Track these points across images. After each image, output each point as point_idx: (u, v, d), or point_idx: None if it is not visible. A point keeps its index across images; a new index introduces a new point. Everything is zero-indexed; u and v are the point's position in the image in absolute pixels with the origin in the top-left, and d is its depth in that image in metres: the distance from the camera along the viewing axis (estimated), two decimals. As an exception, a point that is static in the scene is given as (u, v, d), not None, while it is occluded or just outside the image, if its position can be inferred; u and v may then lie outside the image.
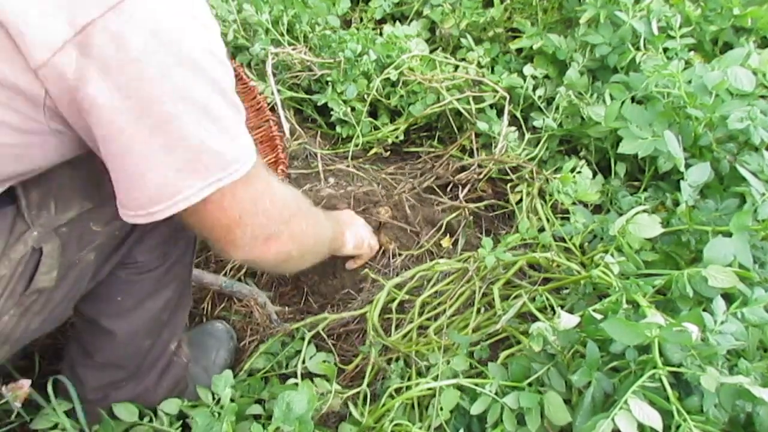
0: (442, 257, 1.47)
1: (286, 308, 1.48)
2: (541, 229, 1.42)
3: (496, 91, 1.65)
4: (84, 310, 1.02)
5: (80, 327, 1.09)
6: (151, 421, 1.10)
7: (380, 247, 1.52)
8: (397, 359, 1.25)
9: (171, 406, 1.13)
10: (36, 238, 0.81)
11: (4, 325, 0.83)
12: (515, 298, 1.28)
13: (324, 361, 1.25)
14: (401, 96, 1.67)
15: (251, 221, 0.85)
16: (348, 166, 1.65)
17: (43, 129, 0.71)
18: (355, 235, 1.39)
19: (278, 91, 1.70)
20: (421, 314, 1.34)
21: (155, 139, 0.71)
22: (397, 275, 1.41)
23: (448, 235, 1.55)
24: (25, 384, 0.99)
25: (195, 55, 0.70)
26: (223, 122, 0.75)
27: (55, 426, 1.07)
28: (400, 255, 1.50)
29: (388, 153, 1.74)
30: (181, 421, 1.12)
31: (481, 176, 1.62)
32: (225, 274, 1.47)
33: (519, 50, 1.77)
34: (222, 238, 0.86)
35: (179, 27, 0.68)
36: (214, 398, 1.09)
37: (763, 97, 1.33)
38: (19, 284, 0.82)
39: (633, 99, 1.42)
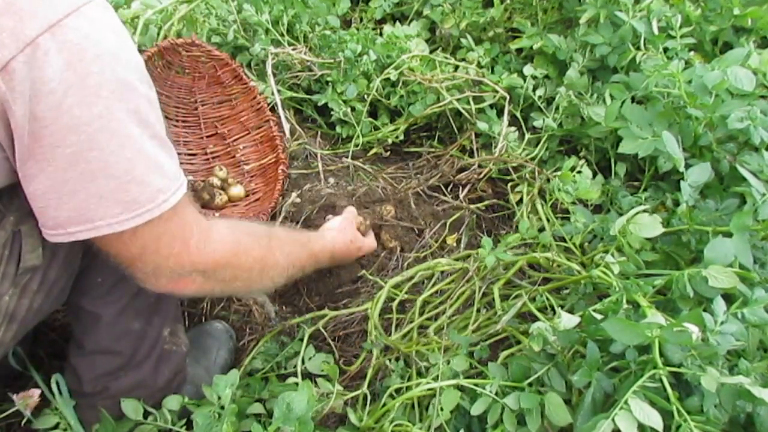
0: (443, 257, 1.47)
1: (285, 308, 1.48)
2: (541, 229, 1.42)
3: (496, 91, 1.65)
4: (69, 298, 1.03)
5: (71, 319, 1.10)
6: (155, 419, 1.10)
7: (382, 247, 1.53)
8: (398, 359, 1.25)
9: (174, 402, 1.13)
10: (13, 222, 0.85)
11: (6, 305, 0.88)
12: (515, 298, 1.28)
13: (325, 362, 1.25)
14: (401, 96, 1.67)
15: (152, 261, 0.87)
16: (348, 166, 1.65)
17: None
18: (342, 253, 1.36)
19: (278, 91, 1.70)
20: (421, 314, 1.34)
21: (74, 168, 0.75)
22: (398, 275, 1.41)
23: (451, 234, 1.55)
24: (35, 393, 1.01)
25: (113, 87, 0.73)
26: (145, 153, 0.79)
27: (56, 426, 1.07)
28: (401, 255, 1.50)
29: (388, 153, 1.74)
30: (185, 419, 1.12)
31: (482, 176, 1.62)
32: (225, 274, 1.47)
33: (519, 50, 1.77)
34: (125, 267, 0.89)
35: (96, 57, 0.72)
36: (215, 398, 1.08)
37: (763, 97, 1.33)
38: (10, 266, 0.86)
39: (633, 99, 1.42)
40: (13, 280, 0.87)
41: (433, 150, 1.74)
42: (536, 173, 1.55)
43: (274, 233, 1.13)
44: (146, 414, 1.10)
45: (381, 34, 1.78)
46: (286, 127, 1.67)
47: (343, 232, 1.36)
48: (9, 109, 0.70)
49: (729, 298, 1.00)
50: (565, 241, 1.32)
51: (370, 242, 1.45)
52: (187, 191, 0.86)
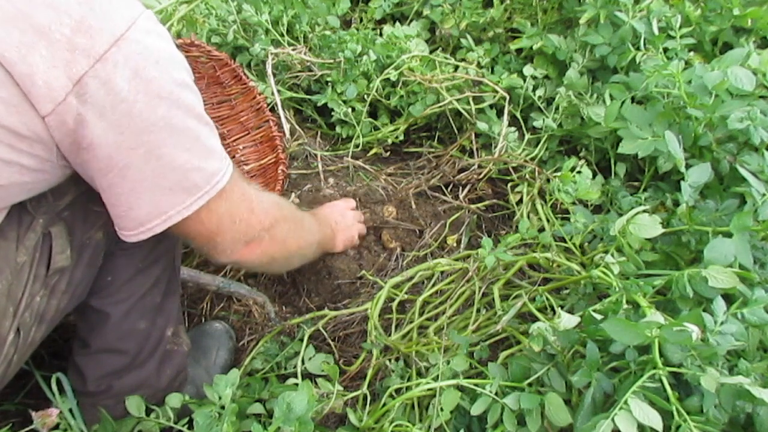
0: (443, 257, 1.47)
1: (285, 308, 1.48)
2: (541, 229, 1.42)
3: (496, 92, 1.65)
4: None
5: (76, 319, 1.10)
6: (157, 416, 1.10)
7: (382, 247, 1.53)
8: (397, 359, 1.25)
9: (175, 400, 1.13)
10: (43, 224, 0.90)
11: (37, 305, 0.91)
12: (515, 298, 1.28)
13: (325, 362, 1.25)
14: (401, 96, 1.67)
15: (229, 229, 0.96)
16: (348, 166, 1.65)
17: (54, 166, 0.82)
18: (345, 237, 1.45)
19: (278, 91, 1.70)
20: (421, 314, 1.34)
21: (148, 165, 0.82)
22: (398, 275, 1.41)
23: (451, 234, 1.55)
24: (53, 412, 1.04)
25: (171, 88, 0.81)
26: (201, 142, 0.87)
27: (57, 426, 1.07)
28: (403, 255, 1.50)
29: (388, 153, 1.74)
30: (186, 420, 1.12)
31: (482, 176, 1.62)
32: (225, 275, 1.47)
33: (519, 50, 1.77)
34: (204, 245, 0.98)
35: (155, 63, 0.79)
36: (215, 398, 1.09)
37: (763, 97, 1.33)
38: (41, 267, 0.91)
39: (633, 99, 1.42)
40: (44, 281, 0.91)
41: (433, 150, 1.74)
42: (536, 173, 1.55)
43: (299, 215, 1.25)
44: (148, 412, 1.11)
45: (381, 35, 1.77)
46: (286, 127, 1.67)
47: (352, 226, 1.46)
48: (83, 122, 0.76)
49: (729, 298, 1.00)
50: (565, 241, 1.32)
51: (362, 231, 1.50)
52: (234, 165, 0.94)
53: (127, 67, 0.76)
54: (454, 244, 1.53)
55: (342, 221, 1.46)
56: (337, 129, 1.71)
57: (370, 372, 1.24)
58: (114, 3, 0.76)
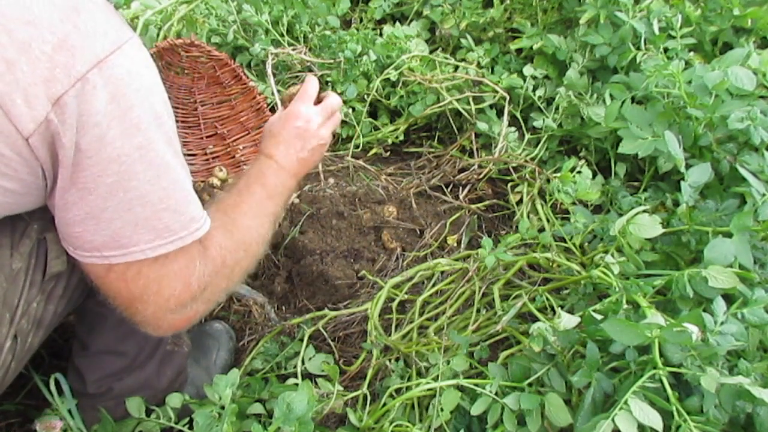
0: (443, 257, 1.47)
1: (285, 308, 1.48)
2: (541, 229, 1.42)
3: (496, 92, 1.65)
4: None
5: (75, 320, 1.10)
6: (157, 416, 1.10)
7: (383, 247, 1.52)
8: (398, 359, 1.25)
9: (176, 400, 1.13)
10: (37, 230, 0.88)
11: (34, 311, 0.90)
12: (515, 298, 1.28)
13: (325, 362, 1.25)
14: (401, 96, 1.67)
15: (153, 301, 0.86)
16: (348, 166, 1.65)
17: (39, 185, 0.78)
18: (316, 159, 1.14)
19: (278, 91, 1.70)
20: (421, 314, 1.34)
21: (113, 196, 0.77)
22: (398, 275, 1.41)
23: (451, 234, 1.55)
24: (57, 425, 1.04)
25: (150, 119, 0.77)
26: (181, 183, 0.82)
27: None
28: (403, 255, 1.50)
29: (388, 153, 1.74)
30: (187, 420, 1.12)
31: (482, 176, 1.62)
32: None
33: (519, 50, 1.77)
34: (122, 309, 0.88)
35: (136, 91, 0.75)
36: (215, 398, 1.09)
37: (763, 97, 1.33)
38: (37, 273, 0.89)
39: (633, 99, 1.42)
40: (40, 286, 0.90)
41: (433, 150, 1.74)
42: (536, 173, 1.55)
43: (232, 210, 1.00)
44: (148, 412, 1.11)
45: (381, 35, 1.78)
46: (286, 127, 1.67)
47: (287, 141, 1.10)
48: (59, 141, 0.73)
49: (729, 298, 1.00)
50: (565, 241, 1.32)
51: (326, 132, 1.16)
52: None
53: (105, 91, 0.73)
54: (454, 244, 1.53)
55: (307, 141, 1.11)
56: (337, 129, 1.70)
57: (370, 372, 1.24)
58: (100, 24, 0.74)
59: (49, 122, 0.71)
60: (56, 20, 0.71)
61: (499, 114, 1.66)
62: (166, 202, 0.80)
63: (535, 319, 1.08)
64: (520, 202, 1.55)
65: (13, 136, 0.71)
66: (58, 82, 0.71)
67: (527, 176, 1.57)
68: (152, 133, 0.77)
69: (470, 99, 1.66)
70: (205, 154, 1.69)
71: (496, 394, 1.00)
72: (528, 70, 1.66)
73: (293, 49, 1.71)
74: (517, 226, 1.44)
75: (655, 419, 0.82)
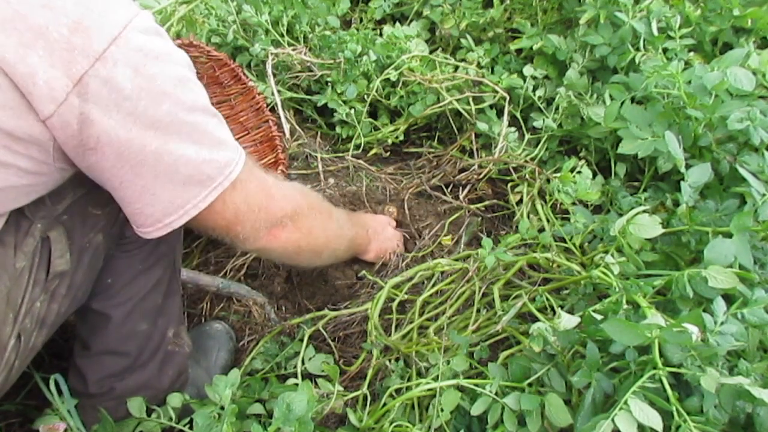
0: (443, 257, 1.47)
1: (285, 308, 1.48)
2: (541, 230, 1.42)
3: (496, 92, 1.65)
4: None
5: (76, 321, 1.10)
6: (158, 416, 1.10)
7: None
8: (398, 359, 1.25)
9: (176, 400, 1.13)
10: (41, 228, 0.89)
11: (37, 311, 0.91)
12: (515, 298, 1.28)
13: (325, 362, 1.25)
14: (401, 96, 1.67)
15: (248, 218, 0.97)
16: (348, 166, 1.65)
17: (51, 169, 0.81)
18: (380, 247, 1.45)
19: (278, 91, 1.70)
20: (421, 314, 1.34)
21: (159, 162, 0.82)
22: (398, 275, 1.41)
23: (450, 234, 1.55)
24: (60, 427, 1.04)
25: (173, 83, 0.81)
26: (210, 133, 0.87)
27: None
28: (403, 255, 1.50)
29: (388, 153, 1.74)
30: (187, 421, 1.12)
31: (482, 176, 1.62)
32: (225, 275, 1.47)
33: (519, 51, 1.77)
34: (225, 235, 0.99)
35: (155, 59, 0.79)
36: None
37: (762, 97, 1.33)
38: (40, 272, 0.90)
39: (633, 99, 1.42)
40: (44, 286, 0.91)
41: (433, 150, 1.74)
42: (536, 173, 1.55)
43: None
44: (149, 412, 1.11)
45: (381, 35, 1.77)
46: (286, 127, 1.67)
47: (393, 238, 1.49)
48: (87, 121, 0.76)
49: (729, 298, 1.00)
50: (565, 241, 1.32)
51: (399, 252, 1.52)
52: (248, 154, 0.94)
53: (127, 66, 0.76)
54: (454, 245, 1.53)
55: (381, 232, 1.47)
56: (337, 129, 1.71)
57: (370, 372, 1.24)
58: (110, 3, 0.76)
59: (70, 103, 0.74)
60: (69, 3, 0.73)
61: (499, 114, 1.66)
62: (201, 154, 0.85)
63: (535, 319, 1.08)
64: (520, 202, 1.55)
65: (28, 118, 0.73)
66: (78, 63, 0.73)
67: (527, 176, 1.57)
68: (178, 94, 0.82)
69: (470, 99, 1.66)
70: (205, 154, 1.69)
71: (496, 394, 1.00)
72: (528, 70, 1.66)
73: (293, 50, 1.71)
74: (517, 226, 1.44)
75: (655, 419, 0.82)
